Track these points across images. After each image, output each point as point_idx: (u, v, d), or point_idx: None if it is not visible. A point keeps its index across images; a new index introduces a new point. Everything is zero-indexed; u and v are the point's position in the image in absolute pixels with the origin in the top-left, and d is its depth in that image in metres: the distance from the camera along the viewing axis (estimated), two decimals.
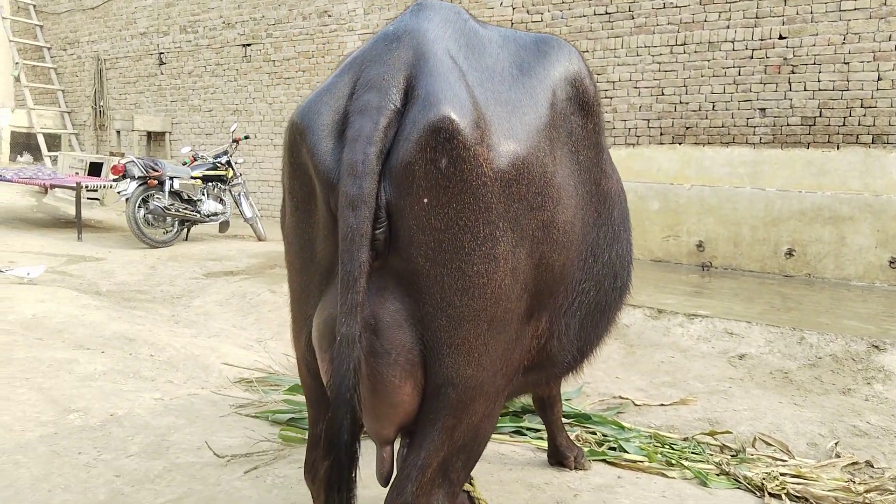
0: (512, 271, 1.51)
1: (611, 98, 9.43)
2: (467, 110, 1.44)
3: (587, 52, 9.53)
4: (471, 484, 2.54)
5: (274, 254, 8.73)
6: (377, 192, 1.41)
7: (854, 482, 3.26)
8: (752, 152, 8.46)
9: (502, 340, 1.56)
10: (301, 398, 4.01)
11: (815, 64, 8.09)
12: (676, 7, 8.88)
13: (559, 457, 3.19)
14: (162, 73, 14.00)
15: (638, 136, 9.27)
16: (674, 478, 3.24)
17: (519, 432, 3.66)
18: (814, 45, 8.07)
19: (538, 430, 3.64)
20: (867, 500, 3.07)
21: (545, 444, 3.45)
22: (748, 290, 7.08)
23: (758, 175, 8.38)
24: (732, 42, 8.55)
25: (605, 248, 1.85)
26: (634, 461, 3.32)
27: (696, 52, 8.80)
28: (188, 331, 5.34)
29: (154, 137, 13.91)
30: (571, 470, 3.16)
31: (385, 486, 1.65)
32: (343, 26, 11.70)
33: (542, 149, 1.59)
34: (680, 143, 8.96)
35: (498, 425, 3.63)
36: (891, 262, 7.81)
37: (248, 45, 12.75)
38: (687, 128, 8.91)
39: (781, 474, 3.29)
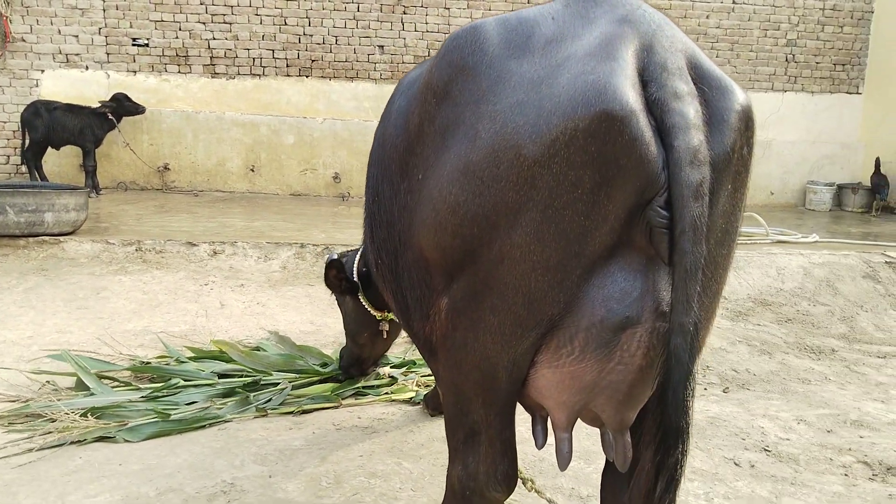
0: None
1: (230, 24, 8.87)
2: None
3: None
4: None
5: None
6: None
7: None
8: (375, 87, 9.11)
9: None
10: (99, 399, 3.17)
11: (422, 7, 9.03)
12: None
13: (438, 404, 3.31)
14: None
15: (264, 67, 9.01)
16: None
17: (360, 393, 3.64)
18: None
19: (376, 387, 3.68)
20: None
21: (399, 397, 3.56)
22: None
23: (381, 109, 9.07)
24: None
25: None
26: None
27: None
28: None
29: None
30: None
31: (625, 470, 1.70)
32: None
33: None
34: (307, 77, 9.05)
35: (339, 391, 3.55)
36: None
37: None
38: (313, 61, 9.03)
39: None
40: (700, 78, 1.51)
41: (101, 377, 3.51)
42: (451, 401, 1.80)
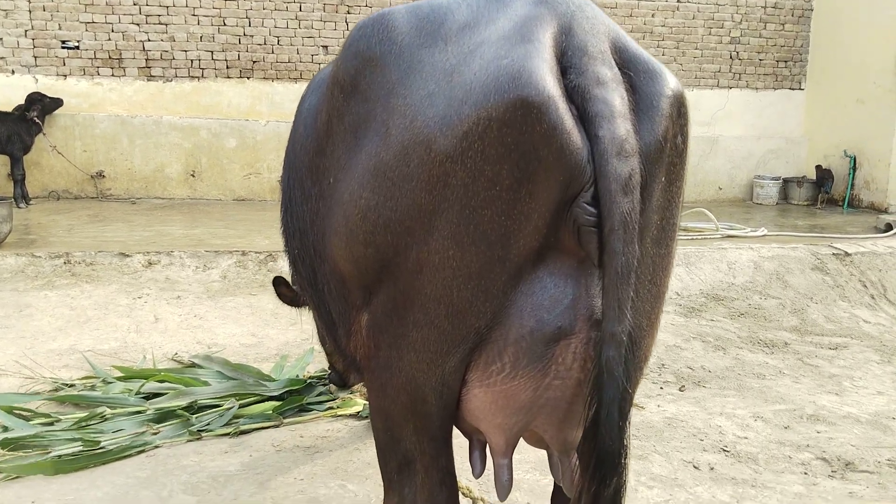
0: None
1: (166, 25, 8.51)
2: None
3: None
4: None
5: None
6: None
7: None
8: None
9: None
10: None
11: (367, 6, 8.83)
12: None
13: None
14: None
15: (202, 69, 8.67)
16: None
17: (303, 409, 3.43)
18: None
19: (321, 402, 3.48)
20: None
21: (345, 411, 3.39)
22: None
23: None
24: None
25: None
26: None
27: None
28: None
29: None
30: None
31: (573, 495, 1.55)
32: None
33: None
34: (249, 78, 8.76)
35: (284, 409, 3.34)
36: None
37: None
38: (254, 62, 8.74)
39: None
40: (625, 62, 1.38)
41: (17, 407, 3.22)
42: (381, 427, 1.63)
